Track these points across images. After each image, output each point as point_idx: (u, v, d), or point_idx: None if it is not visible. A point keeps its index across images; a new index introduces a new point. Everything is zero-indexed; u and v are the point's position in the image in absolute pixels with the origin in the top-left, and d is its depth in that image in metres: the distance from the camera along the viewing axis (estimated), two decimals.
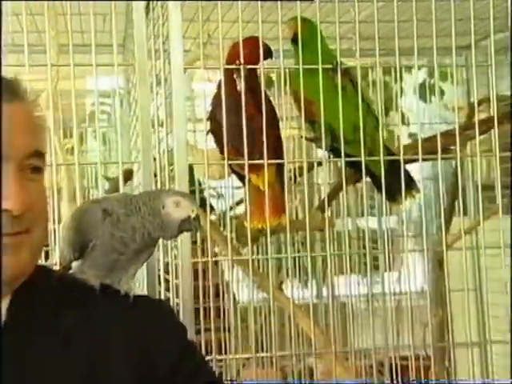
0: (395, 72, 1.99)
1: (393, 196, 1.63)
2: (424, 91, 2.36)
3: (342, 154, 1.48)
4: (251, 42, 1.48)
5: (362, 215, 2.19)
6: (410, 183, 1.60)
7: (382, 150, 1.52)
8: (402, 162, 1.52)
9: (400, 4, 1.48)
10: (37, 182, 0.91)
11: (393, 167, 1.55)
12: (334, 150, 1.55)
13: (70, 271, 1.22)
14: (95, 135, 1.96)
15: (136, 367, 0.98)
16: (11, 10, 1.60)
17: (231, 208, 1.99)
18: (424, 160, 1.58)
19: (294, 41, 1.54)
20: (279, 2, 1.46)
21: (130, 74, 1.62)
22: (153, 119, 1.45)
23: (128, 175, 1.66)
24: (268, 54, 1.49)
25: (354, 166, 1.55)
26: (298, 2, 1.49)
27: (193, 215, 1.09)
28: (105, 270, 1.19)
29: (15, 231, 0.86)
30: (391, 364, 2.05)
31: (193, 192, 1.55)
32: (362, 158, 1.48)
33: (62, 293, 1.01)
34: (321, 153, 1.69)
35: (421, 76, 2.31)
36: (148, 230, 1.13)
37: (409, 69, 2.12)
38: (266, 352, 1.88)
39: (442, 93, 2.29)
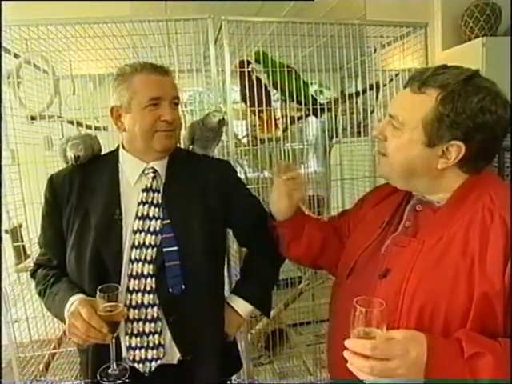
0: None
1: (316, 115, 2.15)
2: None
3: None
4: (245, 60, 1.95)
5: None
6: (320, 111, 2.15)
7: (309, 96, 2.03)
8: (318, 102, 2.12)
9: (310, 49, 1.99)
10: (176, 110, 1.27)
11: (314, 104, 2.05)
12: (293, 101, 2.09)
13: (190, 149, 1.59)
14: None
15: (218, 185, 1.33)
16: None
17: (243, 137, 2.35)
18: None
19: (257, 61, 1.95)
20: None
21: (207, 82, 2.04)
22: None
23: None
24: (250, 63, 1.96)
25: (300, 104, 2.04)
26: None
27: (220, 118, 1.47)
28: (202, 148, 1.52)
29: (170, 129, 1.23)
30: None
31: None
32: (303, 100, 1.99)
33: (187, 157, 1.40)
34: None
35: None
36: (210, 127, 1.49)
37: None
38: None
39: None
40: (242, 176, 2.33)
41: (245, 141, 2.22)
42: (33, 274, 1.34)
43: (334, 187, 2.46)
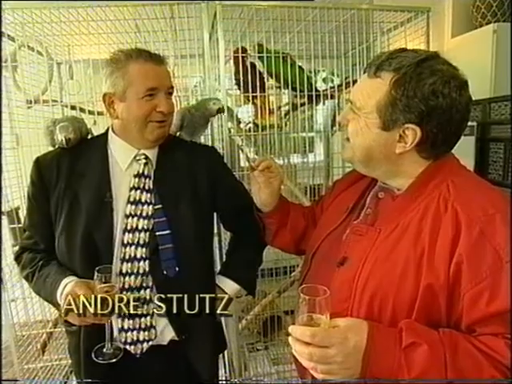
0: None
1: (312, 102, 2.08)
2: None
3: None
4: (241, 48, 1.92)
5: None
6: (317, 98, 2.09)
7: (306, 83, 1.99)
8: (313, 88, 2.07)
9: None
10: (170, 99, 1.27)
11: (310, 91, 2.03)
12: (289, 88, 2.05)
13: (177, 135, 1.56)
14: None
15: (205, 171, 1.34)
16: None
17: (247, 123, 2.29)
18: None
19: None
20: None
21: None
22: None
23: None
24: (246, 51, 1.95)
25: (295, 91, 2.02)
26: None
27: (220, 107, 1.49)
28: (190, 135, 1.52)
29: (163, 119, 1.23)
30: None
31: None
32: (298, 86, 1.96)
33: (176, 143, 1.41)
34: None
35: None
36: (209, 115, 1.51)
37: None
38: None
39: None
40: (247, 164, 2.35)
41: (246, 127, 2.18)
42: (17, 258, 1.34)
43: (336, 175, 2.40)
